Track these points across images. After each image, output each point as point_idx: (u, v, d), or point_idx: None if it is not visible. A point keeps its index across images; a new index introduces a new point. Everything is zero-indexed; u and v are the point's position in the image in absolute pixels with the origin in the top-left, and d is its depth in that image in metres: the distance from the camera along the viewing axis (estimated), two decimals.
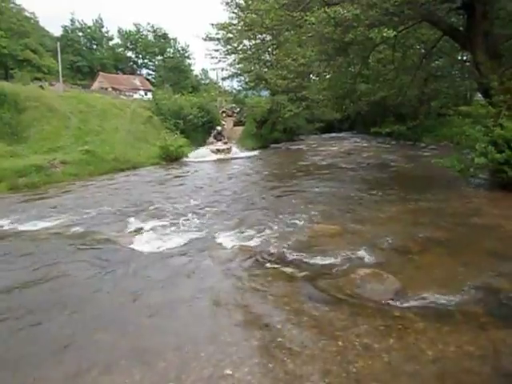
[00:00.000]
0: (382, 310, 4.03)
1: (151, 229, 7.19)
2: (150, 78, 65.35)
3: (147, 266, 5.46)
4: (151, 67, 68.93)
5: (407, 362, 3.21)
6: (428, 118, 23.07)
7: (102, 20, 62.20)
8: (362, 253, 5.55)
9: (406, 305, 4.11)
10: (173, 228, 7.26)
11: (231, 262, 5.48)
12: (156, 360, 3.31)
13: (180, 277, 5.08)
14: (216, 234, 6.72)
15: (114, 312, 4.22)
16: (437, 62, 17.38)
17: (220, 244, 6.24)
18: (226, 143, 23.50)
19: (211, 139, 23.88)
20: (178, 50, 68.83)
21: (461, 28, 11.38)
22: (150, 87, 51.86)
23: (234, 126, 32.16)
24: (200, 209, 8.80)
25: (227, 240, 6.34)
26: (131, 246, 6.32)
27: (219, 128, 24.72)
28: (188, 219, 7.88)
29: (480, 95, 12.96)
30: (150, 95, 37.75)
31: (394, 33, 8.89)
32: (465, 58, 16.05)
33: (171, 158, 18.60)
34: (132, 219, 7.87)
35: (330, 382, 2.98)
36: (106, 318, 4.10)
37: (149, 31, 66.85)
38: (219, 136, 23.97)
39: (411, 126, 20.53)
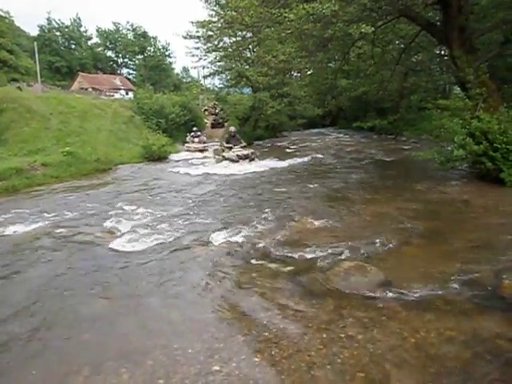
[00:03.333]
0: (366, 301, 4.11)
1: (135, 228, 7.14)
2: (130, 77, 64.73)
3: (130, 265, 5.44)
4: (132, 66, 68.30)
5: (391, 350, 3.28)
6: (408, 111, 23.37)
7: (80, 19, 61.28)
8: (345, 246, 5.62)
9: (389, 296, 4.19)
10: (157, 226, 7.22)
11: (217, 259, 5.49)
12: (144, 359, 3.32)
13: (164, 274, 5.08)
14: (201, 231, 6.72)
15: (99, 312, 4.20)
16: (416, 57, 17.60)
17: (205, 241, 6.25)
18: (204, 142, 22.96)
19: (188, 139, 23.06)
20: (159, 49, 68.25)
21: (438, 23, 11.56)
22: (131, 87, 51.38)
23: (212, 127, 31.94)
24: (184, 206, 8.78)
25: (212, 237, 6.34)
26: (114, 246, 6.27)
27: (195, 129, 23.85)
28: (172, 217, 7.86)
29: (458, 88, 13.22)
30: (131, 95, 37.41)
31: (372, 28, 9.01)
32: (442, 52, 16.32)
33: (154, 157, 18.46)
34: (115, 219, 7.80)
35: (315, 373, 3.03)
36: (91, 318, 4.08)
37: (128, 30, 66.19)
38: (196, 136, 22.99)
39: (392, 120, 20.85)
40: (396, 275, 4.64)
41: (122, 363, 3.29)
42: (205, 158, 19.04)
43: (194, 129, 23.58)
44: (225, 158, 15.62)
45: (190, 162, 17.88)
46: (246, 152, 15.40)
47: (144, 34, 66.78)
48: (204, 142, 22.93)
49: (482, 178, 9.33)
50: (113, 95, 39.04)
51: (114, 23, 64.85)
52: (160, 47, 68.36)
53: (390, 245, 5.71)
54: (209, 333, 3.66)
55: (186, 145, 22.21)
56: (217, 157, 16.65)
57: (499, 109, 9.47)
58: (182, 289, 4.64)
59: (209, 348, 3.42)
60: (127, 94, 44.38)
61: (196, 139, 22.51)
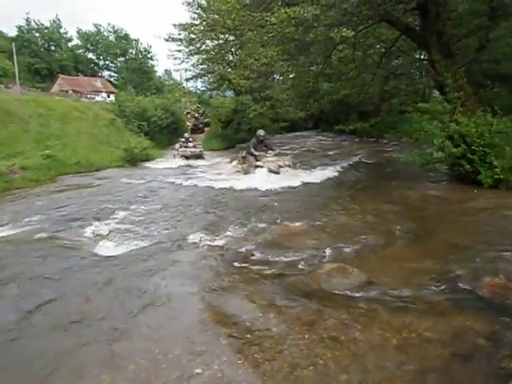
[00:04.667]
0: (348, 302, 4.14)
1: (115, 232, 7.07)
2: (112, 79, 64.16)
3: (111, 270, 5.37)
4: (113, 69, 67.73)
5: (373, 351, 3.31)
6: (390, 114, 23.70)
7: (59, 20, 60.53)
8: (327, 249, 5.66)
9: (371, 296, 4.23)
10: (138, 230, 7.16)
11: (198, 262, 5.48)
12: (125, 364, 3.28)
13: (146, 278, 5.03)
14: (183, 235, 6.69)
15: (78, 318, 4.14)
16: (396, 61, 17.86)
17: (187, 245, 6.22)
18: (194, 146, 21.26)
19: (181, 144, 20.99)
20: (141, 51, 67.86)
21: (417, 28, 11.77)
22: (113, 89, 50.97)
23: (192, 133, 31.58)
24: (166, 209, 8.73)
25: (194, 240, 6.32)
26: (95, 251, 6.20)
27: (186, 134, 22.35)
28: (154, 220, 7.80)
29: (437, 92, 13.46)
30: (112, 97, 37.05)
31: (353, 33, 9.12)
32: (422, 56, 16.59)
33: (136, 160, 18.31)
34: (95, 223, 7.71)
35: (298, 375, 3.04)
36: (69, 324, 4.02)
37: (109, 32, 65.68)
38: (189, 141, 21.26)
39: (373, 123, 21.07)
40: (377, 276, 4.70)
41: (102, 369, 3.24)
42: (213, 165, 17.20)
43: (186, 134, 22.13)
44: (257, 167, 12.77)
45: (202, 171, 15.37)
46: (287, 162, 12.99)
47: (125, 36, 66.34)
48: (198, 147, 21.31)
49: (461, 179, 9.52)
50: (94, 98, 38.66)
51: (95, 25, 64.29)
52: (142, 49, 68.02)
53: (371, 246, 5.78)
54: (191, 336, 3.64)
55: (180, 150, 20.15)
56: (242, 166, 13.87)
57: (476, 112, 9.68)
58: (163, 293, 4.60)
59: (190, 351, 3.40)
60: (108, 96, 43.97)
61: (190, 144, 20.87)
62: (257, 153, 13.34)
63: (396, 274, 4.82)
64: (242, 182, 11.48)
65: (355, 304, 4.09)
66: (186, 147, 20.32)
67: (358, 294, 4.27)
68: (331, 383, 2.97)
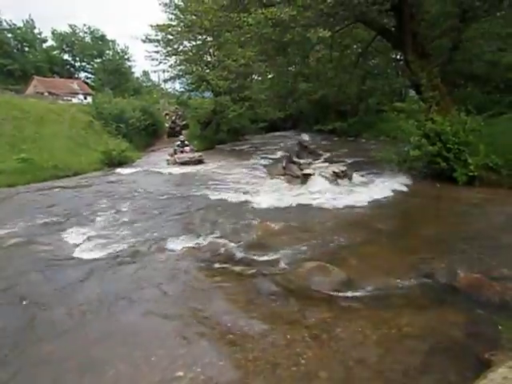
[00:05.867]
0: (329, 301, 4.18)
1: (93, 235, 6.94)
2: (89, 81, 63.12)
3: (90, 274, 5.28)
4: (90, 70, 66.57)
5: (354, 348, 3.35)
6: (367, 114, 24.01)
7: (33, 20, 59.06)
8: (308, 247, 5.71)
9: (351, 294, 4.28)
10: (117, 233, 7.06)
11: (179, 265, 5.43)
12: (105, 369, 3.24)
13: (126, 282, 4.97)
14: (162, 238, 6.60)
15: (56, 323, 4.06)
16: (373, 61, 18.13)
17: (167, 247, 6.15)
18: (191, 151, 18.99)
19: (176, 149, 18.83)
20: (118, 52, 66.93)
21: (392, 29, 11.97)
22: (90, 91, 50.16)
23: (169, 136, 31.18)
24: (145, 213, 8.63)
25: (174, 243, 6.25)
26: (73, 255, 6.09)
27: (182, 137, 20.17)
28: (132, 223, 7.71)
29: (413, 92, 13.71)
30: (89, 99, 36.50)
31: (329, 33, 9.23)
32: (398, 56, 16.88)
33: (114, 163, 18.05)
34: (73, 226, 7.57)
35: (280, 374, 3.06)
36: (48, 330, 3.94)
37: (85, 33, 64.51)
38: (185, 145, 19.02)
39: (352, 122, 21.47)
40: (357, 274, 4.75)
41: (82, 375, 3.20)
42: (228, 172, 14.37)
43: (182, 137, 19.99)
44: (306, 176, 10.49)
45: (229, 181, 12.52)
46: (342, 168, 10.58)
47: (102, 37, 65.35)
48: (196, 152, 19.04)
49: (437, 176, 9.70)
50: (70, 100, 37.94)
51: (70, 25, 62.98)
52: (119, 51, 67.08)
53: (351, 244, 5.84)
54: (172, 339, 3.63)
55: (178, 156, 17.82)
56: (278, 177, 11.40)
57: (451, 111, 9.90)
58: (143, 296, 4.55)
59: (172, 354, 3.38)
60: (85, 98, 43.26)
61: (187, 148, 18.69)
62: (302, 160, 11.21)
63: (375, 270, 4.88)
64: (299, 197, 9.18)
65: (336, 302, 4.13)
66: (182, 152, 18.25)
67: (338, 292, 4.31)
68: (313, 381, 2.99)
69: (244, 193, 10.23)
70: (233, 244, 6.06)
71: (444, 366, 3.06)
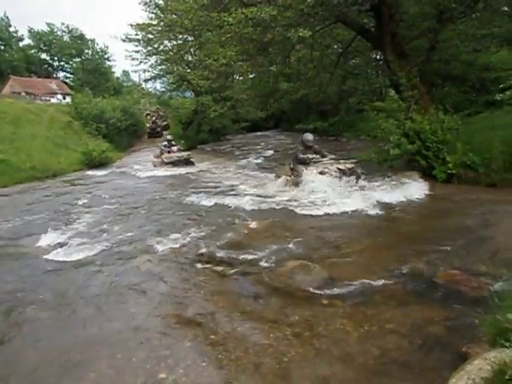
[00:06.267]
0: (311, 299, 4.21)
1: (74, 237, 6.85)
2: (67, 81, 62.06)
3: (70, 276, 5.22)
4: (69, 70, 65.49)
5: (335, 345, 3.38)
6: (348, 113, 24.26)
7: (8, 18, 57.64)
8: (290, 246, 5.74)
9: (333, 292, 4.32)
10: (97, 235, 6.97)
11: (161, 266, 5.40)
12: (86, 371, 3.20)
13: (106, 283, 4.92)
14: (144, 239, 6.55)
15: (36, 325, 4.00)
16: (353, 61, 18.30)
17: (148, 248, 6.11)
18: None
19: (163, 149, 17.84)
20: (97, 52, 66.02)
21: (372, 29, 12.11)
22: (69, 91, 49.30)
23: (149, 137, 30.83)
24: (127, 214, 8.55)
25: (156, 244, 6.20)
26: (53, 257, 5.99)
27: (169, 137, 19.02)
28: (114, 225, 7.62)
29: (393, 91, 13.91)
30: (68, 99, 35.90)
31: (310, 33, 9.27)
32: (378, 56, 17.08)
33: (95, 163, 17.83)
34: (52, 228, 7.44)
35: (263, 373, 3.07)
36: (27, 332, 3.88)
37: (64, 32, 63.42)
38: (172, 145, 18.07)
39: (333, 122, 21.65)
40: (339, 272, 4.80)
41: (62, 378, 3.16)
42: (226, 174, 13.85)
43: (168, 137, 19.00)
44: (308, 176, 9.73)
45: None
46: (349, 165, 9.62)
47: (81, 37, 64.34)
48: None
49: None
50: (49, 100, 37.33)
51: (48, 24, 61.76)
52: (98, 50, 66.20)
53: (333, 243, 5.89)
54: (154, 340, 3.60)
55: (165, 156, 16.95)
56: (285, 177, 10.56)
57: (429, 110, 10.07)
58: (125, 298, 4.52)
59: (154, 356, 3.35)
60: (64, 98, 42.55)
61: (174, 148, 17.80)
62: (310, 156, 10.25)
63: (356, 268, 4.94)
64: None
65: (318, 300, 4.16)
66: (169, 152, 17.39)
67: (320, 290, 4.35)
68: (296, 379, 3.01)
69: (243, 195, 9.83)
70: (216, 244, 6.06)
71: (424, 360, 3.11)
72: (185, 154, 17.38)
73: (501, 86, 15.96)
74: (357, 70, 19.22)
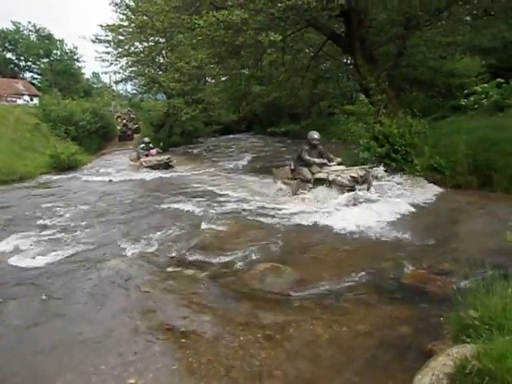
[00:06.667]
0: (282, 301, 4.23)
1: (40, 242, 6.66)
2: (35, 82, 60.40)
3: (35, 282, 5.07)
4: (36, 70, 63.71)
5: (306, 347, 3.41)
6: (319, 117, 24.55)
7: None
8: (261, 248, 5.74)
9: (303, 294, 4.35)
10: (65, 239, 6.80)
11: (130, 270, 5.30)
12: (52, 380, 3.11)
13: (74, 289, 4.81)
14: (112, 243, 6.44)
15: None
16: (324, 65, 18.56)
17: (117, 253, 6.00)
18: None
19: (140, 152, 17.36)
20: (66, 53, 64.50)
21: (342, 34, 12.32)
22: (36, 92, 47.99)
23: (120, 140, 30.36)
24: (96, 219, 8.37)
25: (125, 248, 6.10)
26: (15, 263, 5.79)
27: (147, 139, 18.13)
28: (83, 229, 7.46)
29: (363, 95, 14.18)
30: (36, 101, 34.96)
31: (280, 37, 9.35)
32: (348, 61, 17.39)
33: (63, 167, 17.40)
34: (16, 234, 7.21)
35: (234, 376, 3.06)
36: None
37: (31, 31, 61.67)
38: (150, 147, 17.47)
39: (304, 124, 21.89)
40: (310, 274, 4.84)
41: None
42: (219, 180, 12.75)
43: (146, 139, 18.03)
44: (318, 181, 8.81)
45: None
46: (361, 172, 8.54)
47: (49, 36, 62.70)
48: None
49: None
50: (15, 101, 36.18)
51: (14, 23, 59.91)
52: (67, 51, 64.69)
53: (304, 245, 5.94)
54: (123, 346, 3.54)
55: (144, 160, 16.29)
56: (291, 183, 9.43)
57: (398, 114, 10.33)
58: (93, 304, 4.42)
59: (124, 361, 3.30)
60: (32, 99, 41.39)
61: (153, 151, 17.17)
62: (318, 161, 9.08)
63: (327, 270, 4.99)
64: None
65: (289, 302, 4.19)
66: (147, 155, 16.78)
67: (291, 292, 4.37)
68: (267, 382, 3.01)
69: (225, 198, 9.57)
70: (187, 247, 6.01)
71: (392, 359, 3.17)
72: (165, 157, 16.78)
73: (465, 91, 16.67)
74: (328, 73, 19.51)
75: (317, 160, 9.07)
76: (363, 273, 4.79)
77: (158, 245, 6.22)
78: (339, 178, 8.30)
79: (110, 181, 14.11)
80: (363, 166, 9.03)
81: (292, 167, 9.67)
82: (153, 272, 5.24)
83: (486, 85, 15.94)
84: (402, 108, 10.98)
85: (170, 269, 5.27)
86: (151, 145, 17.68)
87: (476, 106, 15.44)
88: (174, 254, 5.76)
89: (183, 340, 3.56)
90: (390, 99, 10.92)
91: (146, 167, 15.84)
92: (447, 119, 13.32)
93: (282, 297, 4.31)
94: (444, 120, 13.06)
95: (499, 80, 15.52)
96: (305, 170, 9.22)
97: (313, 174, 9.04)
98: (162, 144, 20.64)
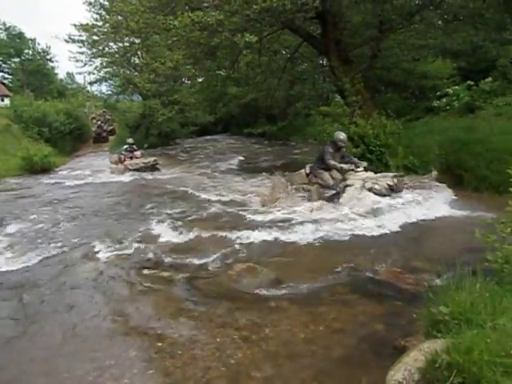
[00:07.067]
0: (259, 301, 4.24)
1: (9, 246, 6.50)
2: (6, 82, 58.84)
3: (6, 287, 4.95)
4: (7, 70, 62.09)
5: (283, 347, 3.43)
6: (296, 118, 24.71)
7: None
8: (237, 249, 5.75)
9: (280, 294, 4.38)
10: (37, 243, 6.64)
11: (105, 273, 5.23)
12: None
13: (46, 294, 4.71)
14: (87, 246, 6.34)
15: None
16: (301, 66, 18.69)
17: (92, 256, 5.91)
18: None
19: (123, 154, 16.21)
20: (38, 52, 63.06)
21: (318, 36, 12.44)
22: (7, 92, 46.78)
23: (95, 142, 29.83)
24: (68, 220, 8.21)
25: (100, 251, 6.02)
26: None
27: (130, 140, 16.83)
28: (54, 232, 7.31)
29: (339, 96, 14.35)
30: (7, 101, 34.10)
31: (256, 38, 9.38)
32: (324, 62, 17.56)
33: (36, 169, 17.00)
34: None
35: (210, 378, 3.05)
36: None
37: (0, 29, 60.10)
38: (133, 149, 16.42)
39: (281, 126, 22.03)
40: (286, 274, 4.87)
41: None
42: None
43: (129, 140, 16.86)
44: (347, 187, 7.80)
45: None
46: (395, 180, 7.91)
47: (20, 35, 61.15)
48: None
49: None
50: None
51: None
52: (40, 50, 63.25)
53: (279, 245, 5.96)
54: (99, 351, 3.49)
55: (129, 162, 15.50)
56: (306, 188, 8.48)
57: (372, 115, 10.49)
58: (67, 308, 4.34)
59: (99, 367, 3.25)
60: (3, 100, 40.40)
61: (137, 152, 16.21)
62: (346, 166, 8.11)
63: (304, 270, 5.04)
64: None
65: (265, 302, 4.20)
66: (132, 158, 15.86)
67: (267, 293, 4.40)
68: (244, 382, 3.02)
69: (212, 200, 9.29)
70: (164, 250, 5.97)
71: (367, 356, 3.22)
72: (151, 159, 16.01)
73: (437, 93, 17.10)
74: (304, 75, 19.64)
75: (345, 166, 8.05)
76: (338, 270, 4.87)
77: (133, 247, 6.15)
78: (376, 186, 7.54)
79: (86, 183, 13.79)
80: (395, 174, 8.37)
81: (307, 171, 8.68)
82: (128, 274, 5.18)
83: (457, 87, 16.46)
84: (376, 109, 11.16)
85: (145, 271, 5.22)
86: (135, 146, 16.67)
87: (448, 108, 15.94)
88: (150, 256, 5.71)
89: (159, 343, 3.54)
90: (364, 100, 11.08)
91: (131, 170, 15.04)
92: (420, 120, 13.66)
93: (258, 297, 4.33)
94: (417, 121, 13.39)
95: (470, 82, 16.04)
96: (326, 175, 8.26)
97: (334, 178, 8.21)
98: (146, 145, 20.02)
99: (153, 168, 15.47)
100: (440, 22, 13.37)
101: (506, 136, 8.85)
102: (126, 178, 14.38)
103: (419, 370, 2.26)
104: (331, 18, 11.01)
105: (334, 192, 8.01)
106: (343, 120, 10.59)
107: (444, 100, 16.44)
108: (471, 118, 13.41)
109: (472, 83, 16.14)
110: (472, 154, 8.80)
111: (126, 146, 16.53)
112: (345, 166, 8.08)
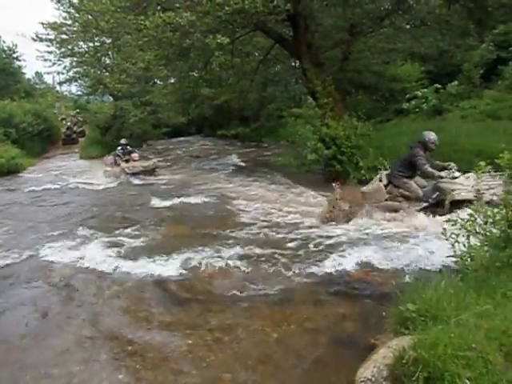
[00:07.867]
0: (231, 302, 4.25)
1: None
2: None
3: None
4: None
5: (255, 347, 3.45)
6: (269, 119, 24.74)
7: None
8: (209, 251, 5.70)
9: (253, 295, 4.39)
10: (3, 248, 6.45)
11: (70, 279, 5.13)
12: None
13: (14, 300, 4.60)
14: (57, 251, 6.17)
15: None
16: (273, 68, 18.79)
17: (61, 261, 5.76)
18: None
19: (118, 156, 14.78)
20: (4, 50, 61.07)
21: (290, 38, 12.52)
22: None
23: (64, 144, 29.09)
24: (29, 226, 7.91)
25: (68, 255, 5.88)
26: None
27: (124, 141, 15.43)
28: (23, 236, 7.10)
29: (311, 98, 14.49)
30: None
31: (228, 40, 9.35)
32: (296, 64, 17.71)
33: (3, 171, 16.48)
34: None
35: (182, 381, 3.04)
36: None
37: None
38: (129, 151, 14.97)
39: (254, 127, 22.06)
40: (259, 274, 4.88)
41: None
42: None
43: (123, 141, 15.40)
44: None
45: None
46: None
47: None
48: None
49: (334, 179, 10.28)
50: None
51: None
52: (5, 48, 61.30)
53: (251, 245, 5.96)
54: (67, 357, 3.42)
55: (125, 166, 14.13)
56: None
57: (344, 117, 10.63)
58: (35, 314, 4.24)
59: (68, 373, 3.19)
60: None
61: (135, 154, 14.76)
62: (444, 173, 6.55)
63: (276, 270, 5.04)
64: None
65: (237, 303, 4.21)
66: (128, 160, 14.43)
67: (239, 294, 4.40)
68: None
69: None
70: (134, 253, 5.88)
71: (338, 354, 3.27)
72: (150, 162, 14.84)
73: (406, 96, 17.52)
74: (276, 77, 19.77)
75: (443, 174, 6.51)
76: (310, 272, 4.90)
77: (103, 251, 6.03)
78: (495, 198, 5.12)
79: (55, 188, 13.13)
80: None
81: (385, 182, 7.19)
82: (95, 279, 5.08)
83: (425, 90, 16.91)
84: (347, 111, 11.31)
85: (115, 275, 5.13)
86: (129, 147, 15.18)
87: (417, 110, 16.36)
88: (120, 260, 5.61)
89: (130, 347, 3.49)
90: (336, 102, 11.21)
91: (129, 174, 13.76)
92: (390, 122, 13.97)
93: (230, 298, 4.33)
94: (387, 123, 13.68)
95: (437, 86, 16.50)
96: (414, 185, 6.83)
97: (420, 187, 6.84)
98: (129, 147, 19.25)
99: (152, 172, 14.31)
100: (408, 27, 13.71)
101: (472, 138, 9.13)
102: (99, 180, 13.42)
103: (387, 366, 2.31)
104: (303, 20, 11.11)
105: (425, 204, 6.72)
106: (315, 122, 10.67)
107: (413, 102, 16.86)
108: (439, 120, 13.83)
109: (439, 86, 16.63)
110: (440, 154, 9.02)
111: (119, 148, 15.06)
112: (443, 174, 6.51)
